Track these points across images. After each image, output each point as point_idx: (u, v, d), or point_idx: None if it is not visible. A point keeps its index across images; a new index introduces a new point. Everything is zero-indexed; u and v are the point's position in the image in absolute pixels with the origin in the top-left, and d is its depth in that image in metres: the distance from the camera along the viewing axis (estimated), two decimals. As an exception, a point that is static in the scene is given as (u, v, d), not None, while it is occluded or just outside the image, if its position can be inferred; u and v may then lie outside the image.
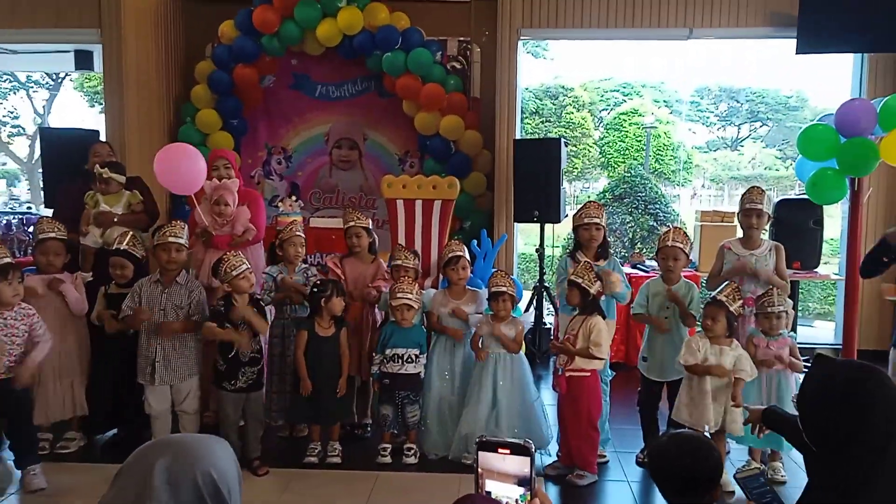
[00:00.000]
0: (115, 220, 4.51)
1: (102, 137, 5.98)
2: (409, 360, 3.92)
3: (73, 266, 4.28)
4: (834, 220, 7.32)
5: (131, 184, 4.74)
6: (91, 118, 21.68)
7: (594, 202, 4.23)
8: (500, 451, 1.44)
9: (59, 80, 21.31)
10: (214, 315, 3.82)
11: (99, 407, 4.08)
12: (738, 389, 3.58)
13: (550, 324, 6.25)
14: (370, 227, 4.47)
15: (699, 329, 3.80)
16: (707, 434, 3.64)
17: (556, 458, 3.98)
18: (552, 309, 6.10)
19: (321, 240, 5.89)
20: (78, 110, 22.44)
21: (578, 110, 21.63)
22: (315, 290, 3.97)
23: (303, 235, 4.35)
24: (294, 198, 6.02)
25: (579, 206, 4.21)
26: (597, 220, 4.03)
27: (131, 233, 4.16)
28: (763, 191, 4.18)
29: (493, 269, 4.31)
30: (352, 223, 4.39)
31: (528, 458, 1.43)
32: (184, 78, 6.79)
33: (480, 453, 1.46)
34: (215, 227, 4.45)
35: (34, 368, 3.58)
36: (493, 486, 1.46)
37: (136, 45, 6.18)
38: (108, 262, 4.10)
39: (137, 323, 3.84)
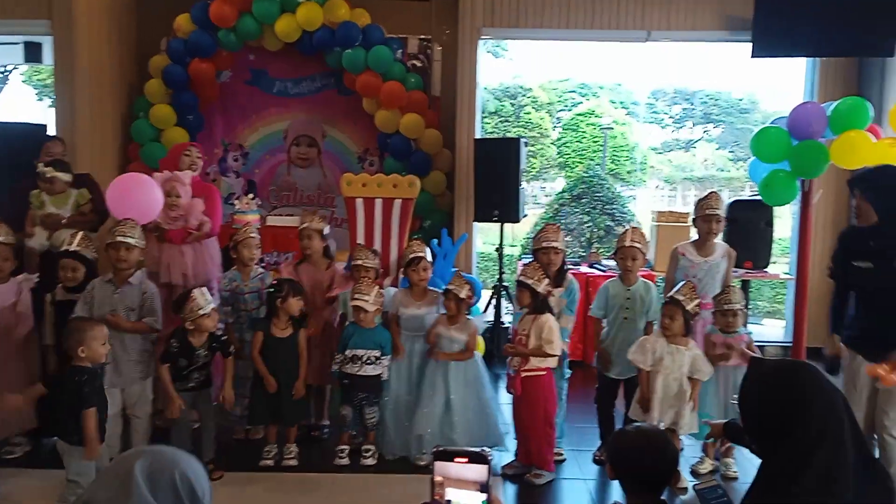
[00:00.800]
0: (63, 222, 4.36)
1: (51, 132, 5.80)
2: (369, 361, 3.89)
3: (20, 270, 4.10)
4: (782, 220, 7.50)
5: (80, 181, 4.59)
6: (39, 112, 21.04)
7: (552, 224, 4.22)
8: (457, 460, 1.43)
9: (6, 73, 20.63)
10: (167, 356, 3.70)
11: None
12: (695, 392, 3.65)
13: (510, 323, 6.27)
14: (326, 231, 4.39)
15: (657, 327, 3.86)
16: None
17: (514, 458, 3.99)
18: (511, 308, 6.12)
19: (279, 238, 5.82)
20: (26, 104, 21.71)
21: (537, 110, 21.75)
22: (270, 290, 3.91)
23: (257, 237, 4.27)
24: (251, 196, 5.93)
25: (538, 229, 4.18)
26: (555, 244, 4.01)
27: (82, 232, 4.03)
28: (720, 196, 4.24)
29: (453, 269, 4.29)
30: (305, 224, 4.31)
31: (485, 466, 1.43)
32: (137, 72, 6.63)
33: (437, 463, 1.45)
34: (168, 220, 4.32)
35: None
36: (453, 494, 1.45)
37: (89, 37, 6.01)
38: (55, 265, 3.95)
39: None
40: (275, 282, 3.99)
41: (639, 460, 1.96)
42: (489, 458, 1.45)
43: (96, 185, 4.65)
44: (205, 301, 3.70)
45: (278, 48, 6.35)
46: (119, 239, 3.75)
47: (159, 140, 6.31)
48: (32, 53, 7.21)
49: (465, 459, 1.43)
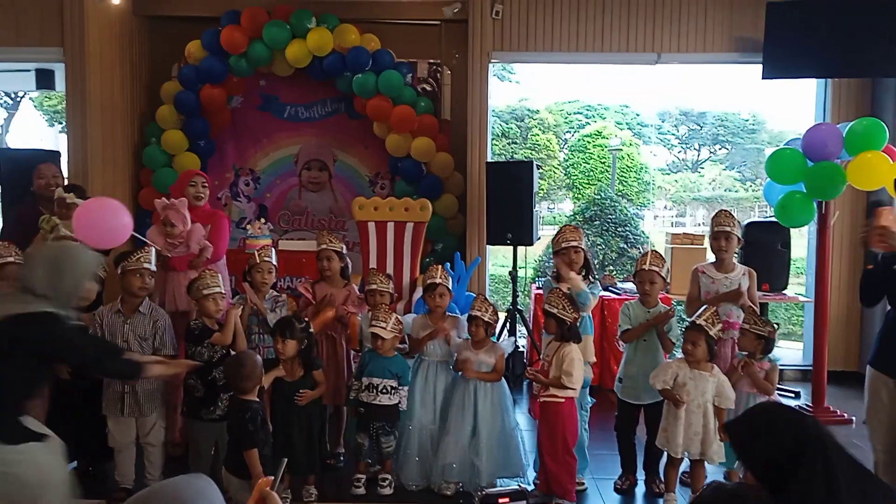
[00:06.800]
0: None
1: (64, 158, 5.82)
2: (385, 390, 3.80)
3: None
4: (795, 239, 7.44)
5: None
6: (50, 137, 21.20)
7: (570, 226, 4.19)
8: (500, 501, 1.46)
9: (18, 100, 20.83)
10: (188, 336, 3.68)
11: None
12: (721, 420, 3.54)
13: (523, 347, 6.21)
14: (343, 250, 4.38)
15: (677, 353, 3.79)
16: (688, 459, 3.63)
17: (533, 486, 3.91)
18: (525, 332, 6.06)
19: (291, 263, 5.78)
20: (37, 130, 21.91)
21: (544, 132, 21.85)
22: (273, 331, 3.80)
23: (272, 262, 4.21)
24: (263, 220, 5.93)
25: (556, 231, 4.17)
26: (574, 244, 3.99)
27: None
28: (731, 214, 4.19)
29: (474, 294, 4.23)
30: (323, 246, 4.32)
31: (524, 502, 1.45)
32: (149, 98, 6.66)
33: None
34: (168, 248, 4.31)
35: None
36: None
37: (100, 64, 6.04)
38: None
39: None
40: (276, 321, 3.84)
41: None
42: (527, 491, 1.45)
43: None
44: (213, 282, 3.68)
45: (289, 73, 6.37)
46: (146, 266, 3.73)
47: (171, 166, 6.32)
48: (44, 80, 7.28)
49: (508, 499, 1.45)
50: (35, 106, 21.42)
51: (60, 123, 19.35)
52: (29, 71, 7.20)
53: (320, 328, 4.08)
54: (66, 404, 3.86)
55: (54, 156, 5.67)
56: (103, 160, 6.08)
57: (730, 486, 1.86)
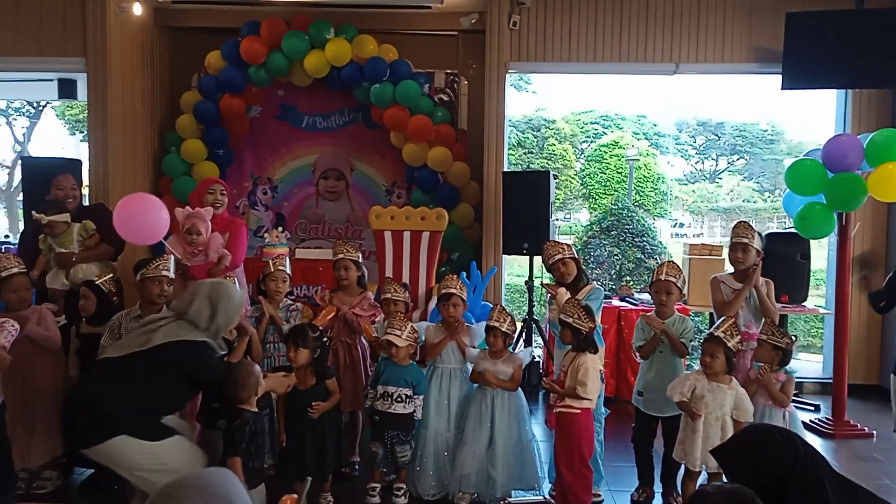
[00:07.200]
0: (74, 259, 4.40)
1: (85, 167, 5.89)
2: (399, 399, 3.79)
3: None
4: (815, 251, 7.36)
5: (84, 213, 4.64)
6: (71, 146, 21.49)
7: (550, 241, 4.24)
8: None
9: (40, 108, 21.12)
10: None
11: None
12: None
13: (539, 357, 6.19)
14: (359, 259, 4.39)
15: (691, 362, 3.75)
16: (706, 472, 3.59)
17: (549, 497, 3.88)
18: (541, 342, 6.04)
19: (307, 271, 5.81)
20: (58, 138, 22.24)
21: (560, 142, 21.82)
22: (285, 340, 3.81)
23: (286, 271, 4.22)
24: (280, 228, 5.96)
25: (542, 249, 4.18)
26: (559, 256, 4.01)
27: (111, 275, 4.09)
28: (750, 225, 4.15)
29: (492, 304, 4.22)
30: (340, 255, 4.31)
31: None
32: (169, 107, 6.74)
33: None
34: (187, 256, 4.34)
35: None
36: None
37: (122, 73, 6.13)
38: (78, 302, 3.99)
39: None
40: (288, 330, 3.84)
41: None
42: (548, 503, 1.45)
43: (108, 213, 4.49)
44: (233, 290, 3.66)
45: (307, 84, 6.42)
46: (164, 273, 3.80)
47: (190, 174, 6.38)
48: (67, 90, 7.38)
49: None
50: (57, 115, 21.71)
51: (82, 132, 19.61)
52: (51, 80, 7.31)
53: (328, 325, 4.12)
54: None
55: (75, 164, 5.73)
56: (124, 168, 6.16)
57: (728, 485, 1.85)
